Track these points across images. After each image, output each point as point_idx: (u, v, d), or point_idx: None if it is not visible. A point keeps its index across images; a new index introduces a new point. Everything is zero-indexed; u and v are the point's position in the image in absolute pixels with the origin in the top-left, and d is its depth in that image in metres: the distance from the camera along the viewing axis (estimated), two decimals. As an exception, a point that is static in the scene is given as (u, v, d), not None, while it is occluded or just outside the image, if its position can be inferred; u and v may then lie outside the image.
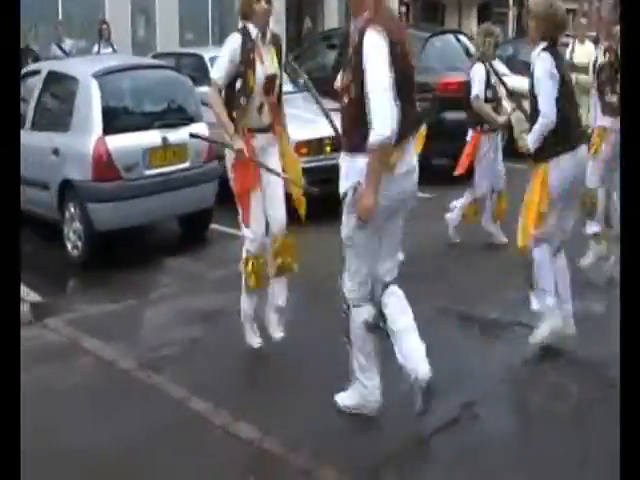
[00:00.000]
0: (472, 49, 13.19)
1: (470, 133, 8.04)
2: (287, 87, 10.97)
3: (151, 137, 7.74)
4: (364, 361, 4.70)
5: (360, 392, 4.77)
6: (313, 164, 8.99)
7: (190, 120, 8.20)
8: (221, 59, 5.47)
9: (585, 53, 14.41)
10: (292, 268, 5.71)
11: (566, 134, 5.40)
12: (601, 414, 4.84)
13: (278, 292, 5.72)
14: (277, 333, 5.74)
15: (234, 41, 5.43)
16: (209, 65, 10.51)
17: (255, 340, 5.71)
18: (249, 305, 5.68)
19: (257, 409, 4.91)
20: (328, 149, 9.08)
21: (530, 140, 5.44)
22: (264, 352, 5.69)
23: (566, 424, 4.77)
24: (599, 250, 7.33)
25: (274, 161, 5.58)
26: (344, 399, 4.86)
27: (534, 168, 5.53)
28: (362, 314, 4.65)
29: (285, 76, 11.23)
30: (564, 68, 5.54)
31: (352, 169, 4.38)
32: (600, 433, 4.60)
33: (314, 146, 9.08)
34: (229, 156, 5.54)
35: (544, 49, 5.43)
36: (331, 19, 27.02)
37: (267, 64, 5.48)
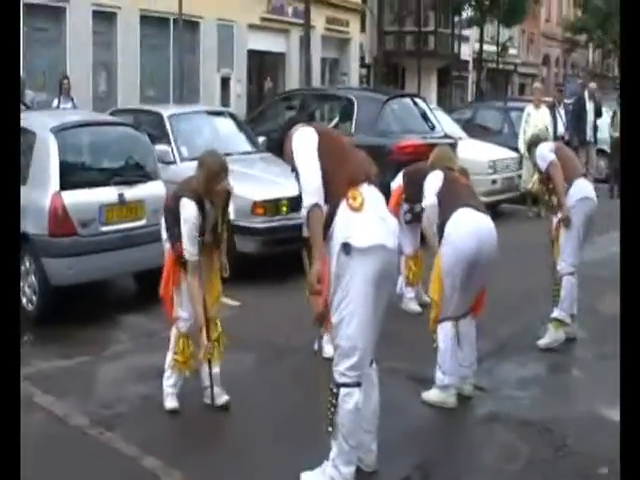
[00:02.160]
0: (429, 114, 13.53)
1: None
2: (246, 147, 11.23)
3: (108, 193, 7.76)
4: (347, 448, 4.49)
5: (330, 475, 4.54)
6: (270, 224, 9.08)
7: (148, 177, 8.25)
8: (187, 233, 5.42)
9: (540, 117, 14.83)
10: (218, 357, 5.71)
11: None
12: (551, 474, 4.93)
13: (207, 374, 5.73)
14: (221, 399, 5.73)
15: (193, 212, 5.42)
16: (168, 123, 10.60)
17: (170, 404, 5.72)
18: (172, 382, 5.74)
19: (208, 470, 4.92)
20: (285, 209, 9.14)
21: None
22: (217, 413, 5.68)
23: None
24: (558, 335, 7.20)
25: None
26: (311, 478, 4.66)
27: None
28: (354, 398, 4.45)
29: (243, 138, 11.48)
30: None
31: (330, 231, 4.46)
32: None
33: (271, 206, 9.14)
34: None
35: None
36: (292, 80, 27.40)
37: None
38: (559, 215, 7.12)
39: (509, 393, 6.23)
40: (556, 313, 7.20)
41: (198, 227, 5.44)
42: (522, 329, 7.27)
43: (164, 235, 5.74)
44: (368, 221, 4.40)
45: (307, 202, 4.37)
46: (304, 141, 4.55)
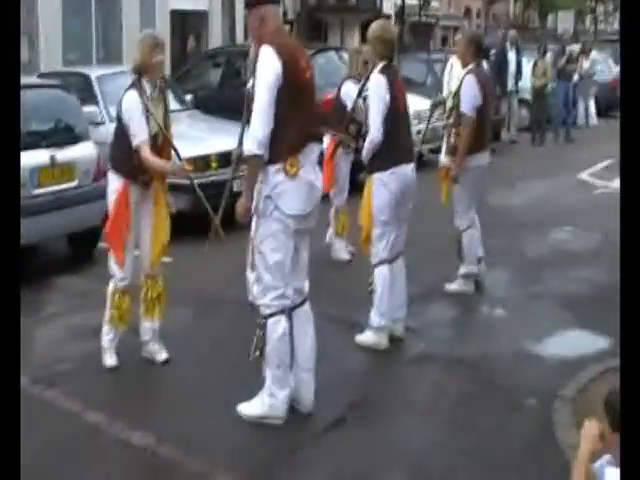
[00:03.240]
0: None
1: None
2: (173, 105, 11.19)
3: (39, 156, 7.73)
4: (280, 373, 4.80)
5: (267, 402, 4.86)
6: (199, 180, 9.11)
7: (78, 139, 8.23)
8: (133, 122, 5.43)
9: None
10: (159, 314, 5.83)
11: (390, 152, 5.84)
12: (481, 408, 5.21)
13: (146, 329, 5.85)
14: (161, 355, 5.84)
15: (134, 99, 5.45)
16: (95, 84, 10.53)
17: (110, 360, 5.79)
18: (110, 337, 5.80)
19: (151, 419, 5.07)
20: (214, 165, 9.21)
21: (363, 154, 5.99)
22: (157, 367, 5.80)
23: (449, 419, 5.11)
24: (468, 287, 7.38)
25: (146, 219, 5.75)
26: (248, 408, 4.95)
27: (368, 179, 6.02)
28: (280, 326, 4.75)
29: (170, 95, 11.43)
30: (395, 89, 5.90)
31: (263, 180, 4.66)
32: (479, 425, 4.97)
33: (199, 163, 9.19)
34: (111, 190, 5.67)
35: (381, 71, 5.87)
36: (215, 38, 27.12)
37: (152, 123, 5.53)
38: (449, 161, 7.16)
39: (438, 334, 6.50)
40: (463, 269, 7.37)
41: (143, 114, 5.43)
42: (447, 273, 7.47)
43: (111, 182, 5.67)
44: (297, 190, 4.64)
45: (249, 149, 4.56)
46: (266, 74, 4.53)
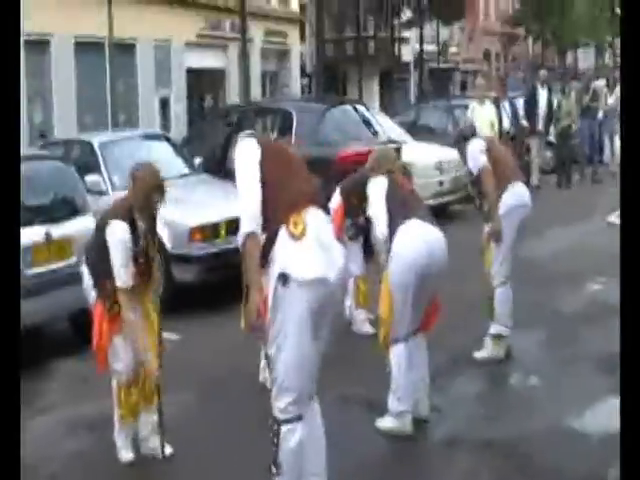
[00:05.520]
0: (371, 119, 13.22)
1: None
2: (181, 170, 10.81)
3: (33, 233, 7.28)
4: None
5: None
6: (209, 250, 8.69)
7: (76, 213, 7.81)
8: (117, 260, 4.97)
9: (485, 113, 14.53)
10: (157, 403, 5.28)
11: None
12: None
13: (145, 423, 5.35)
14: (164, 450, 5.27)
15: (123, 235, 4.99)
16: (98, 152, 10.16)
17: (126, 455, 5.30)
18: (123, 436, 5.32)
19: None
20: (224, 233, 8.72)
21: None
22: (159, 463, 5.24)
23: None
24: (498, 351, 6.78)
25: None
26: None
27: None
28: (296, 435, 4.14)
29: (179, 161, 11.06)
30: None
31: (271, 258, 4.10)
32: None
33: (209, 231, 8.74)
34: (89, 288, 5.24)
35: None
36: (233, 95, 27.02)
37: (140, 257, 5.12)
38: (489, 226, 6.71)
39: (466, 411, 5.89)
40: (493, 329, 6.78)
41: (130, 252, 4.99)
42: (475, 339, 6.86)
43: (87, 282, 5.29)
44: (309, 251, 4.05)
45: (242, 230, 4.08)
46: (245, 158, 4.24)
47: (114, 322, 5.15)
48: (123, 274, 4.98)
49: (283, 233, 4.05)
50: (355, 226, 7.45)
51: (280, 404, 4.13)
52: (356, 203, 7.04)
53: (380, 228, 5.48)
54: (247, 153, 4.27)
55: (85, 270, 5.31)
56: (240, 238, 4.08)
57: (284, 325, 4.06)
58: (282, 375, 4.12)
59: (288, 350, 4.07)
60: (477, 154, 6.68)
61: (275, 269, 4.04)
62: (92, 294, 5.24)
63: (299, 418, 4.14)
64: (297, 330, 4.05)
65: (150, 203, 5.07)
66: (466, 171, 7.07)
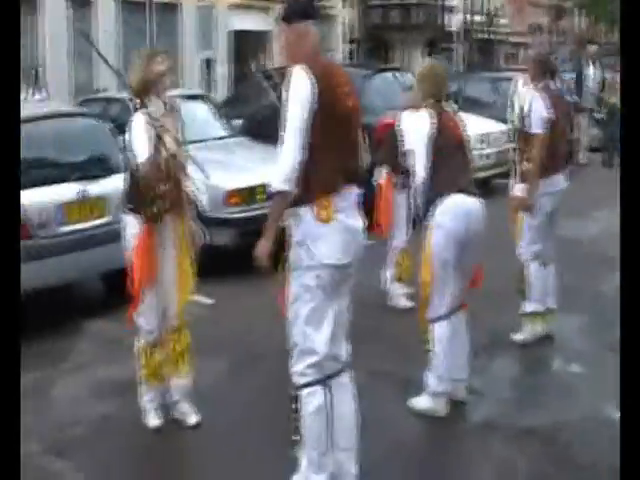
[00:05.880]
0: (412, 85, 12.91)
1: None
2: (220, 132, 10.62)
3: (67, 190, 7.16)
4: (316, 455, 4.07)
5: None
6: (246, 214, 8.53)
7: (110, 171, 7.64)
8: (136, 142, 4.84)
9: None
10: (185, 371, 5.20)
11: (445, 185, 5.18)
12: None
13: (176, 387, 5.23)
14: (191, 418, 5.20)
15: (139, 124, 4.86)
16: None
17: (153, 421, 5.19)
18: (149, 398, 5.21)
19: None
20: (260, 197, 8.54)
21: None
22: (185, 432, 5.13)
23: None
24: (535, 330, 6.55)
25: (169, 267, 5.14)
26: None
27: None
28: (316, 398, 4.03)
29: (218, 123, 10.86)
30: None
31: (295, 223, 3.98)
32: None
33: (246, 195, 8.58)
34: (130, 236, 5.07)
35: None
36: (275, 60, 26.70)
37: (161, 148, 4.91)
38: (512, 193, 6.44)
39: (506, 395, 5.69)
40: (528, 307, 6.53)
41: (149, 134, 4.80)
42: (516, 317, 6.59)
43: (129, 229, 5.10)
44: (332, 236, 3.93)
45: (275, 185, 3.89)
46: (298, 97, 3.84)
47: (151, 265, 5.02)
48: (142, 150, 4.80)
49: (309, 212, 3.93)
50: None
51: (299, 367, 4.04)
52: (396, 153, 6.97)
53: (419, 171, 5.25)
54: (303, 91, 3.84)
55: (126, 212, 5.13)
56: (273, 189, 3.92)
57: (299, 294, 4.00)
58: (301, 338, 4.02)
59: (305, 312, 3.99)
60: (545, 112, 6.28)
61: (297, 235, 3.98)
62: (131, 244, 5.06)
63: (319, 382, 4.02)
64: (312, 302, 3.98)
65: (154, 75, 4.96)
66: (518, 116, 6.56)
